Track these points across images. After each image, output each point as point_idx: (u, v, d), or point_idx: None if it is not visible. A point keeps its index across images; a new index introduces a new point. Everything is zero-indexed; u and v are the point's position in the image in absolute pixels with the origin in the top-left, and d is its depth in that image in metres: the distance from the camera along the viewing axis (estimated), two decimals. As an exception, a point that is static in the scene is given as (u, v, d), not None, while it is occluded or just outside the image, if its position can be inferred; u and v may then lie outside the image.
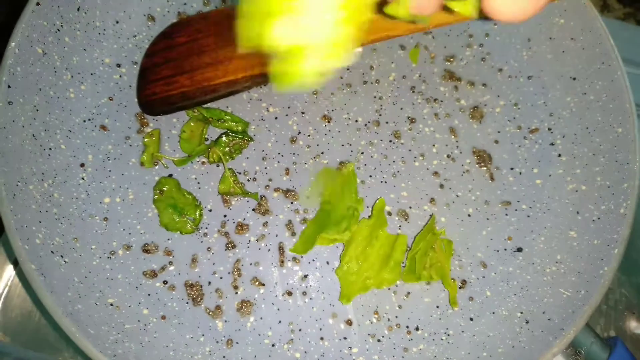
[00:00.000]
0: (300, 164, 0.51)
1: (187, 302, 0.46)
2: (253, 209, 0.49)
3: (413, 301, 0.49)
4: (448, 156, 0.53)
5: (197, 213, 0.48)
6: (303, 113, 0.53)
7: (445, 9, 0.36)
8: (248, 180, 0.50)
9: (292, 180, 0.51)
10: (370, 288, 0.48)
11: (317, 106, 0.53)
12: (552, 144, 0.53)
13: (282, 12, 0.31)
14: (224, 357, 0.45)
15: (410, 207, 0.51)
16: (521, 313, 0.47)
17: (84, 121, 0.50)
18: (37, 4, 0.46)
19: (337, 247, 0.49)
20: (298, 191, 0.50)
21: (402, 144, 0.53)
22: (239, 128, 0.51)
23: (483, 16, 0.32)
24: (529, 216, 0.52)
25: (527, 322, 0.46)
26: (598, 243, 0.47)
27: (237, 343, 0.46)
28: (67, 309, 0.41)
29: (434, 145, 0.53)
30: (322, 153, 0.52)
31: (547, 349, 0.44)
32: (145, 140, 0.50)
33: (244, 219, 0.49)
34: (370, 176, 0.52)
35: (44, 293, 0.40)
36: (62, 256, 0.44)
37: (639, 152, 0.49)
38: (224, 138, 0.49)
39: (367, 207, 0.50)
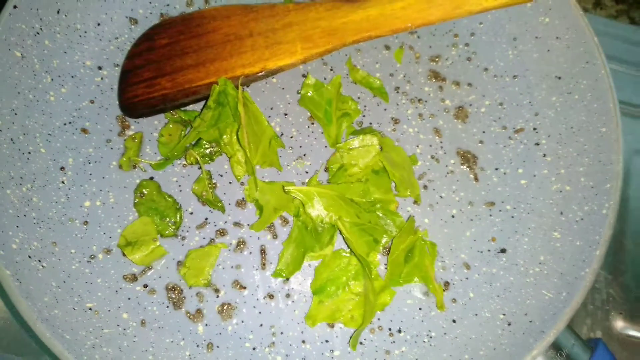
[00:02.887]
0: (283, 166, 0.51)
1: (167, 306, 0.46)
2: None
3: (395, 303, 0.48)
4: (432, 157, 0.53)
5: (177, 216, 0.48)
6: (286, 114, 0.53)
7: None
8: (230, 183, 0.50)
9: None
10: (337, 321, 0.47)
11: (301, 107, 0.53)
12: (537, 144, 0.53)
13: None
14: (204, 360, 0.45)
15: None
16: (503, 315, 0.47)
17: (65, 124, 0.50)
18: (15, 7, 0.46)
19: (319, 249, 0.49)
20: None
21: (385, 145, 0.52)
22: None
23: None
24: (513, 217, 0.51)
25: (509, 324, 0.46)
26: (581, 244, 0.47)
27: (217, 347, 0.46)
28: (43, 314, 0.41)
29: (418, 146, 0.53)
30: (305, 155, 0.51)
31: (527, 351, 0.43)
32: (127, 142, 0.49)
33: (225, 222, 0.49)
34: (353, 178, 0.51)
35: (18, 299, 0.40)
36: (39, 261, 0.44)
37: (622, 152, 0.48)
38: (203, 141, 0.49)
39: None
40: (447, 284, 0.49)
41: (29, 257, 0.43)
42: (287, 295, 0.48)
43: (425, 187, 0.52)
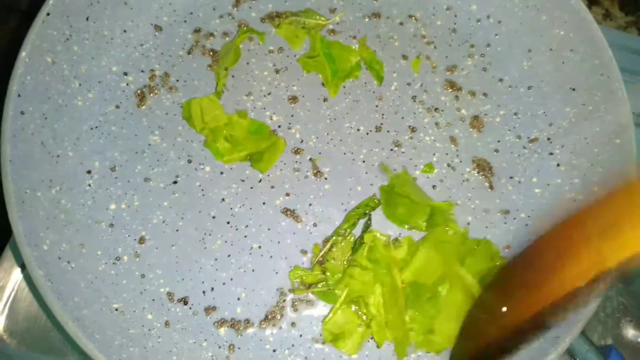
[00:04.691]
0: (303, 172, 0.52)
1: (190, 307, 0.47)
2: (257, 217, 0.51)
3: (412, 308, 0.49)
4: (448, 165, 0.54)
5: None
6: (306, 122, 0.54)
7: None
8: (251, 188, 0.51)
9: (294, 188, 0.52)
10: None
11: (320, 115, 0.54)
12: (551, 154, 0.54)
13: None
14: (226, 361, 0.46)
15: (410, 215, 0.52)
16: (518, 321, 0.48)
17: (91, 128, 0.51)
18: (47, 14, 0.47)
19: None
20: (300, 197, 0.51)
21: (403, 152, 0.54)
22: None
23: None
24: (527, 225, 0.52)
25: (524, 330, 0.47)
26: (595, 253, 0.48)
27: (239, 348, 0.47)
28: (74, 314, 0.42)
29: (434, 154, 0.54)
30: (324, 161, 0.53)
31: (543, 357, 0.44)
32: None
33: (247, 226, 0.50)
34: (371, 184, 0.52)
35: (51, 299, 0.41)
36: (68, 262, 0.45)
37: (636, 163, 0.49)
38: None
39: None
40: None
41: (59, 258, 0.44)
42: (307, 301, 0.49)
43: (441, 194, 0.53)
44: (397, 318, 0.47)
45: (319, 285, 0.48)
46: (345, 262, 0.49)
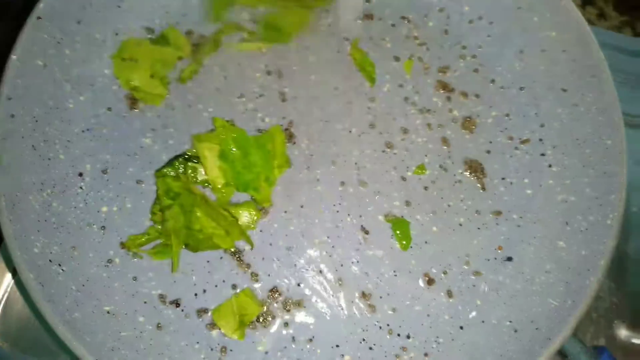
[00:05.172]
0: (295, 174, 0.52)
1: (182, 310, 0.47)
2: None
3: (405, 309, 0.49)
4: (440, 166, 0.54)
5: None
6: (298, 123, 0.54)
7: None
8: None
9: (287, 190, 0.52)
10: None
11: (312, 117, 0.54)
12: (542, 155, 0.54)
13: None
14: (218, 364, 0.46)
15: (402, 216, 0.52)
16: (510, 322, 0.48)
17: (83, 131, 0.51)
18: (38, 18, 0.47)
19: (331, 255, 0.50)
20: (291, 200, 0.51)
21: (394, 154, 0.54)
22: None
23: None
24: (519, 226, 0.52)
25: (515, 331, 0.47)
26: (585, 253, 0.48)
27: (231, 350, 0.47)
28: (65, 317, 0.42)
29: (426, 155, 0.54)
30: (316, 163, 0.53)
31: (534, 358, 0.44)
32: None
33: (239, 228, 0.50)
34: (363, 186, 0.53)
35: (42, 302, 0.41)
36: (60, 265, 0.45)
37: (626, 164, 0.49)
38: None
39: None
40: (456, 291, 0.50)
41: (50, 261, 0.44)
42: (298, 303, 0.49)
43: (433, 195, 0.53)
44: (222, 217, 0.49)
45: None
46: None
